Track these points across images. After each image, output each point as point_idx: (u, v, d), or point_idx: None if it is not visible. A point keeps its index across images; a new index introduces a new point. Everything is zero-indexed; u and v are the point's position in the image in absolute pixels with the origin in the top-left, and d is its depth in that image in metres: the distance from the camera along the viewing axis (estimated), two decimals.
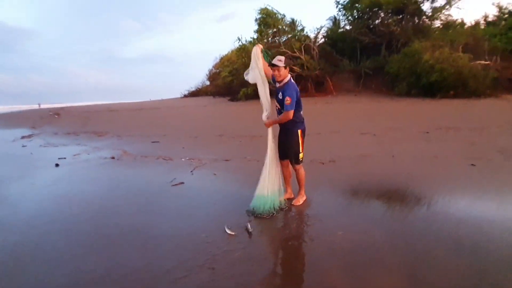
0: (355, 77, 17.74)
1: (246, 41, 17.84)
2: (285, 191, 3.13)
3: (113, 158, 5.66)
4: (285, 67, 2.73)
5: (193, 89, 30.79)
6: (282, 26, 17.12)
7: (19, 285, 1.94)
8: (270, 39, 17.43)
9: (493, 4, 18.79)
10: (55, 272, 2.04)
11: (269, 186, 2.78)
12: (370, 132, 6.83)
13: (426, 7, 17.41)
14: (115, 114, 15.99)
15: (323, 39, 19.77)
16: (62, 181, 4.34)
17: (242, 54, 17.58)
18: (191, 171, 4.45)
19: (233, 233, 2.43)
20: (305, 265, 2.06)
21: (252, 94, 17.51)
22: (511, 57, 14.93)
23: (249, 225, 2.51)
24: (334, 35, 19.40)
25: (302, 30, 17.83)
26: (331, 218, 2.70)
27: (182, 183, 3.88)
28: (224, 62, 25.82)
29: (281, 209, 2.87)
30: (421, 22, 17.47)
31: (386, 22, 16.77)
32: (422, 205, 2.96)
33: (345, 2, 18.53)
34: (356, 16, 18.67)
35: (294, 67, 16.64)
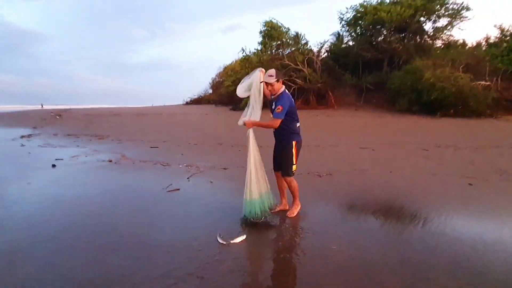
0: (356, 91, 17.92)
1: (250, 52, 18.15)
2: (280, 202, 3.10)
3: (110, 161, 5.65)
4: (277, 81, 2.71)
5: (196, 96, 31.09)
6: (286, 39, 17.42)
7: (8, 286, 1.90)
8: (273, 51, 17.69)
9: (495, 26, 19.11)
10: (45, 274, 2.00)
11: (256, 189, 2.73)
12: (369, 147, 6.83)
13: (428, 26, 17.80)
14: (118, 118, 16.08)
15: (326, 54, 20.10)
16: (57, 182, 4.33)
17: (245, 65, 17.85)
18: (187, 178, 4.43)
19: (224, 243, 2.40)
20: (296, 278, 2.02)
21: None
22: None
23: (218, 237, 2.46)
24: (337, 50, 19.73)
25: (306, 43, 18.14)
26: (325, 232, 2.66)
27: (178, 189, 3.86)
28: (228, 71, 26.18)
29: (270, 210, 2.86)
30: (423, 41, 17.78)
31: (388, 39, 17.07)
32: (418, 223, 2.93)
33: (349, 19, 18.92)
34: (359, 32, 19.03)
35: (296, 80, 16.85)
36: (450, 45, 17.69)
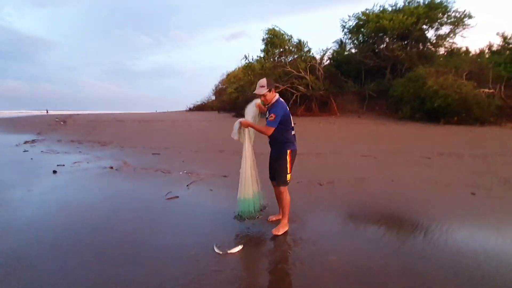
0: (359, 98, 17.91)
1: (252, 59, 18.30)
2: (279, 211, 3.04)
3: (111, 168, 5.67)
4: (269, 90, 2.67)
5: (199, 103, 31.29)
6: (289, 47, 17.55)
7: None
8: (276, 58, 17.81)
9: (497, 34, 19.13)
10: (43, 282, 2.00)
11: (249, 188, 2.74)
12: (371, 155, 6.78)
13: (430, 34, 17.84)
14: (121, 125, 16.21)
15: (328, 61, 20.20)
16: (58, 189, 4.35)
17: (248, 72, 17.97)
18: (187, 186, 4.42)
19: (221, 252, 2.38)
20: None
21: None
22: None
23: (215, 247, 2.44)
24: (339, 57, 19.84)
25: (309, 51, 18.25)
26: (324, 242, 2.63)
27: (177, 197, 3.85)
28: (231, 78, 26.38)
29: (262, 209, 2.86)
30: (425, 48, 17.81)
31: (391, 47, 17.11)
32: (419, 233, 2.88)
33: (351, 27, 19.05)
34: (362, 40, 19.14)
35: (299, 87, 16.91)
36: (453, 53, 17.69)
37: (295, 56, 17.94)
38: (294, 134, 2.83)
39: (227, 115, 20.71)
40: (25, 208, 3.52)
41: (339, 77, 18.38)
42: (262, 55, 18.11)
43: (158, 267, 2.18)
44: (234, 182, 4.59)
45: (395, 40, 17.41)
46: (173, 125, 16.06)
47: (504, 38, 18.37)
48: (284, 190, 2.78)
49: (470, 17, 16.64)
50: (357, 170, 5.42)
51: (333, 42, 21.07)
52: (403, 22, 16.21)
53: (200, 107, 30.44)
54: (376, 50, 18.13)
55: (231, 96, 22.72)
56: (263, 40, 18.09)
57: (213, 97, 31.26)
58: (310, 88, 17.05)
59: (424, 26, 17.34)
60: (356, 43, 19.49)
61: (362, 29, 18.47)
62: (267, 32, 17.79)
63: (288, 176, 2.76)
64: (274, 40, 17.39)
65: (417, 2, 17.39)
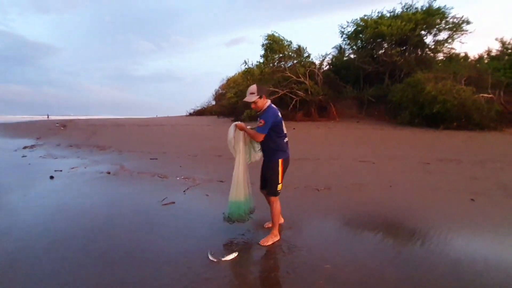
0: (358, 104, 17.95)
1: (252, 64, 18.40)
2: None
3: (108, 173, 5.64)
4: (260, 97, 2.62)
5: (199, 108, 31.39)
6: (288, 52, 17.65)
7: None
8: (275, 63, 17.90)
9: (496, 39, 19.23)
10: (38, 285, 1.96)
11: (241, 190, 2.69)
12: (369, 160, 6.75)
13: (429, 40, 17.94)
14: (121, 129, 16.22)
15: (327, 66, 20.31)
16: (54, 193, 4.32)
17: (247, 77, 18.06)
18: (184, 191, 4.39)
19: (215, 260, 2.34)
20: None
21: (256, 116, 17.70)
22: None
23: (209, 254, 2.40)
24: (338, 62, 19.95)
25: (308, 56, 18.35)
26: (319, 249, 2.59)
27: (173, 203, 3.82)
28: (230, 83, 26.53)
29: (251, 212, 2.81)
30: (424, 54, 17.90)
31: (389, 52, 17.20)
32: (417, 240, 2.84)
33: (350, 32, 19.19)
34: (360, 46, 19.27)
35: (298, 92, 16.96)
36: (452, 58, 17.77)
37: (295, 62, 18.04)
38: (287, 142, 2.75)
39: (226, 120, 20.74)
40: (21, 212, 3.50)
41: (338, 82, 18.46)
42: (261, 60, 18.21)
43: (150, 275, 2.14)
44: (230, 188, 4.58)
45: (393, 46, 17.50)
46: (172, 129, 16.07)
47: (503, 43, 18.49)
48: (275, 200, 2.70)
49: (468, 22, 16.76)
50: (355, 176, 5.39)
51: (332, 48, 21.25)
52: (401, 28, 16.32)
53: (200, 112, 30.52)
54: (375, 56, 18.22)
55: (230, 101, 22.80)
56: (262, 45, 18.21)
57: (213, 102, 31.39)
58: (309, 93, 17.10)
59: (423, 32, 17.45)
60: (355, 48, 19.61)
61: (361, 35, 18.60)
62: (266, 37, 17.92)
63: (279, 186, 2.68)
64: (273, 45, 17.50)
65: (415, 8, 17.55)
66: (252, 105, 2.65)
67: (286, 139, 2.73)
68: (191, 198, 4.10)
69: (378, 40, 17.91)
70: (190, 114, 31.42)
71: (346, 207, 3.79)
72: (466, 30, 16.90)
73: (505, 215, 3.55)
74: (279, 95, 17.15)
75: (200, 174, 5.49)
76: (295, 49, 18.06)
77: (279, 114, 2.69)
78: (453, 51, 18.15)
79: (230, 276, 2.15)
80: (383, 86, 17.26)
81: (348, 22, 19.20)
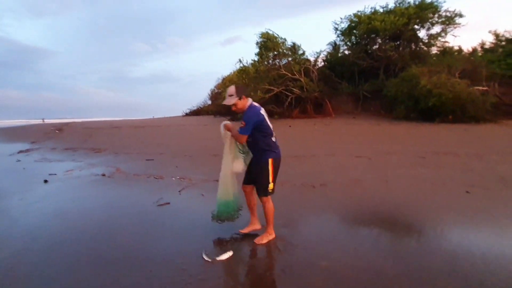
0: (353, 99, 17.95)
1: (247, 63, 18.32)
2: (249, 221, 2.83)
3: (103, 175, 5.60)
4: (239, 98, 2.53)
5: (195, 108, 31.24)
6: (283, 50, 17.59)
7: None
8: (270, 61, 17.85)
9: (489, 31, 19.28)
10: None
11: (229, 189, 2.68)
12: (365, 156, 6.75)
13: (422, 34, 17.95)
14: (117, 131, 16.11)
15: (322, 63, 20.26)
16: (48, 197, 4.27)
17: (242, 76, 17.99)
18: (179, 191, 4.37)
19: (210, 260, 2.32)
20: None
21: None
22: (510, 83, 15.09)
23: (204, 255, 2.38)
24: (333, 59, 19.90)
25: (303, 53, 18.30)
26: (316, 246, 2.57)
27: (168, 203, 3.79)
28: (226, 82, 26.41)
29: (239, 209, 2.80)
30: (418, 48, 17.92)
31: (383, 47, 17.18)
32: (413, 235, 2.84)
33: (344, 28, 19.15)
34: (354, 42, 19.23)
35: (293, 89, 16.93)
36: (446, 52, 17.79)
37: (289, 59, 17.99)
38: (275, 140, 2.64)
39: (223, 119, 20.62)
40: (15, 217, 3.45)
41: (333, 78, 18.43)
42: (256, 58, 18.14)
43: (144, 277, 2.12)
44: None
45: (387, 41, 17.48)
46: (168, 130, 15.99)
47: (497, 35, 18.55)
48: (267, 200, 2.61)
49: (460, 16, 16.77)
50: (351, 172, 5.38)
51: (327, 44, 21.17)
52: (395, 23, 16.30)
53: (197, 112, 30.38)
54: (369, 51, 18.19)
55: None
56: (257, 43, 18.13)
57: (209, 102, 31.22)
58: (304, 90, 17.07)
59: (416, 26, 17.44)
60: (349, 44, 19.55)
61: (355, 31, 18.55)
62: (260, 35, 17.83)
63: (271, 186, 2.58)
64: (267, 43, 17.42)
65: (408, 2, 17.54)
66: (233, 108, 2.57)
67: (274, 138, 2.63)
68: (186, 198, 4.08)
69: (372, 35, 17.88)
70: (187, 114, 31.27)
71: (342, 203, 3.78)
72: (459, 23, 16.93)
73: (501, 207, 3.57)
74: (275, 93, 17.10)
75: (196, 174, 5.46)
76: (289, 46, 18.00)
77: (262, 112, 2.59)
78: (446, 44, 18.18)
79: (225, 276, 2.14)
80: (378, 81, 17.25)
81: (341, 18, 19.17)
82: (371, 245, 2.59)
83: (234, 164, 2.68)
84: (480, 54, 18.10)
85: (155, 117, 34.14)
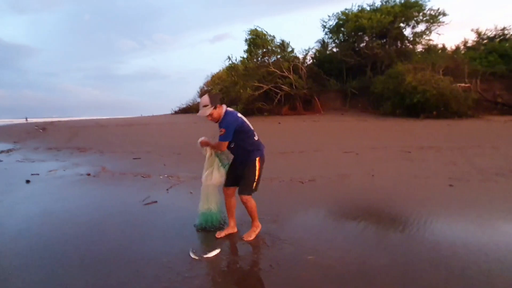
0: (342, 96, 18.18)
1: (236, 60, 18.23)
2: (228, 224, 2.80)
3: (89, 175, 5.46)
4: (214, 108, 2.45)
5: (184, 105, 30.87)
6: (272, 47, 17.59)
7: None
8: (259, 58, 17.81)
9: (472, 30, 19.91)
10: None
11: (210, 201, 2.72)
12: (353, 151, 6.85)
13: (407, 32, 18.35)
14: (103, 130, 15.74)
15: (311, 60, 20.40)
16: (31, 199, 4.13)
17: (231, 73, 17.89)
18: (167, 189, 4.31)
19: (197, 258, 2.30)
20: None
21: (242, 111, 17.64)
22: (491, 79, 15.62)
23: (191, 252, 2.36)
24: (321, 56, 20.08)
25: (292, 51, 18.35)
26: (303, 241, 2.59)
27: (155, 202, 3.73)
28: (215, 80, 26.21)
29: (222, 223, 2.85)
30: (403, 46, 18.29)
31: (370, 45, 17.47)
32: (398, 227, 2.90)
33: (331, 26, 19.32)
34: (342, 39, 19.44)
35: (282, 86, 16.98)
36: (430, 50, 18.24)
37: (278, 57, 18.01)
38: (257, 139, 2.62)
39: None
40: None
41: (321, 75, 18.60)
42: (245, 55, 18.06)
43: (130, 277, 2.07)
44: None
45: (374, 39, 17.77)
46: (157, 128, 15.75)
47: (479, 34, 19.16)
48: (248, 199, 2.55)
49: (444, 14, 17.22)
50: (339, 167, 5.45)
51: (315, 42, 21.33)
52: (381, 21, 16.57)
53: (186, 110, 30.00)
54: (357, 49, 18.45)
55: None
56: (246, 40, 18.05)
57: (199, 99, 30.96)
58: (294, 87, 17.15)
59: (402, 25, 17.81)
60: (337, 42, 19.78)
61: (342, 29, 18.76)
62: (249, 32, 17.77)
63: (254, 185, 2.57)
64: (256, 40, 17.38)
65: (394, 1, 17.84)
66: (209, 118, 2.49)
67: (256, 136, 2.62)
68: (174, 196, 4.03)
69: (359, 33, 18.13)
70: (176, 112, 30.86)
71: (330, 198, 3.83)
72: (443, 22, 17.40)
73: (481, 198, 3.69)
74: (264, 90, 17.11)
75: (184, 171, 5.40)
76: (278, 44, 18.01)
77: (239, 115, 2.56)
78: (431, 42, 18.66)
79: (213, 274, 2.13)
80: (365, 78, 17.53)
81: (329, 16, 19.34)
82: (358, 238, 2.63)
83: (214, 176, 2.68)
84: (463, 51, 18.65)
85: (143, 115, 33.57)
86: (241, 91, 16.74)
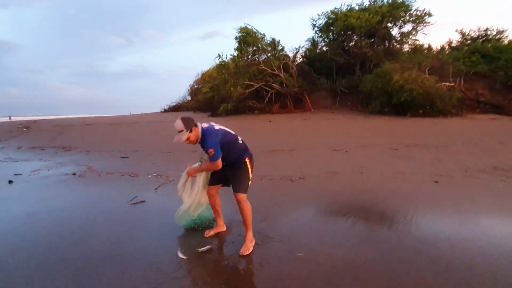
0: (332, 95, 18.34)
1: (226, 58, 18.11)
2: (216, 224, 2.80)
3: (74, 174, 5.32)
4: (190, 131, 2.36)
5: (174, 104, 30.51)
6: (262, 45, 17.55)
7: None
8: (250, 56, 17.75)
9: (456, 31, 20.43)
10: None
11: (198, 207, 2.76)
12: (342, 149, 6.93)
13: (395, 32, 18.67)
14: (90, 128, 15.38)
15: (301, 59, 20.48)
16: (13, 199, 3.99)
17: (222, 71, 17.77)
18: (155, 189, 4.24)
19: (185, 257, 2.27)
20: None
21: (233, 110, 17.61)
22: (474, 79, 16.09)
23: (179, 252, 2.34)
24: (311, 55, 20.18)
25: (282, 49, 18.36)
26: (292, 239, 2.60)
27: (143, 201, 3.67)
28: (205, 78, 26.02)
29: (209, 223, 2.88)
30: (391, 45, 18.61)
31: (359, 44, 17.66)
32: (385, 223, 2.95)
33: (321, 25, 19.43)
34: (332, 38, 19.58)
35: (273, 84, 16.99)
36: (417, 49, 18.61)
37: (269, 55, 17.99)
38: (242, 141, 2.58)
39: (203, 115, 20.34)
40: None
41: (312, 74, 18.68)
42: (235, 53, 17.96)
43: (116, 278, 2.03)
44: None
45: (363, 38, 17.99)
46: (145, 127, 15.50)
47: (463, 34, 19.68)
48: (244, 198, 2.45)
49: (430, 15, 17.57)
50: (328, 165, 5.50)
51: (306, 41, 21.40)
52: (369, 20, 16.78)
53: (176, 108, 29.65)
54: (346, 48, 18.62)
55: (206, 96, 22.40)
56: (236, 38, 17.94)
57: (189, 97, 30.60)
58: (284, 85, 17.19)
59: (389, 24, 18.08)
60: (327, 41, 19.90)
61: (332, 28, 18.88)
62: (239, 30, 17.66)
63: (249, 182, 2.53)
64: (247, 38, 17.29)
65: (381, 1, 18.11)
66: (186, 142, 2.39)
67: (240, 140, 2.57)
68: (163, 195, 3.97)
69: (348, 32, 18.30)
70: (166, 111, 30.45)
71: (319, 195, 3.86)
72: (428, 22, 17.75)
73: (465, 195, 3.80)
74: (255, 88, 17.08)
75: (173, 170, 5.33)
76: (269, 42, 17.98)
77: (216, 127, 2.48)
78: (417, 42, 19.03)
79: (201, 273, 2.11)
80: (354, 77, 17.73)
81: (319, 15, 19.43)
82: (347, 234, 2.67)
83: (202, 197, 2.71)
84: (447, 51, 19.12)
85: (132, 113, 32.99)
86: (232, 89, 16.66)
